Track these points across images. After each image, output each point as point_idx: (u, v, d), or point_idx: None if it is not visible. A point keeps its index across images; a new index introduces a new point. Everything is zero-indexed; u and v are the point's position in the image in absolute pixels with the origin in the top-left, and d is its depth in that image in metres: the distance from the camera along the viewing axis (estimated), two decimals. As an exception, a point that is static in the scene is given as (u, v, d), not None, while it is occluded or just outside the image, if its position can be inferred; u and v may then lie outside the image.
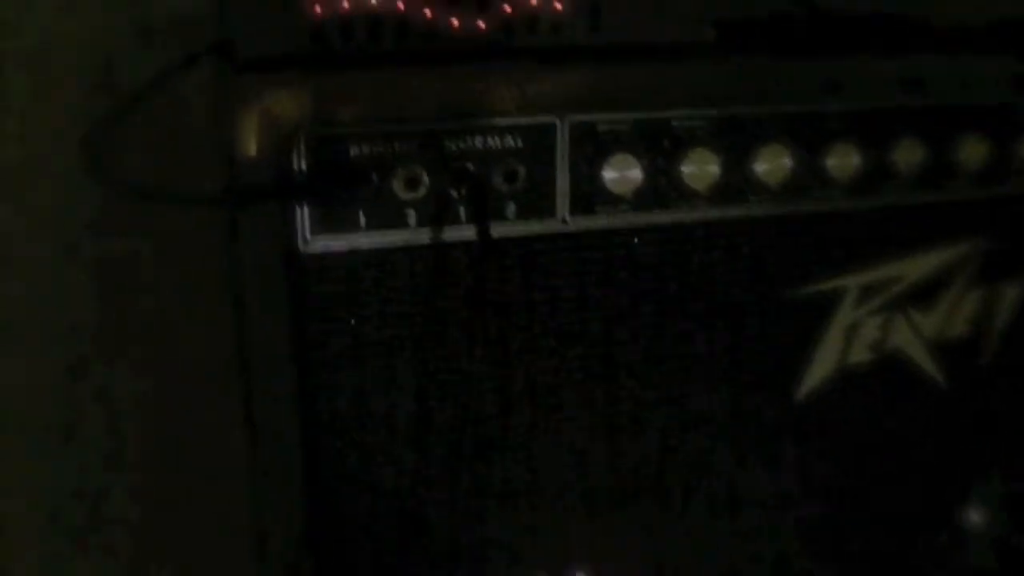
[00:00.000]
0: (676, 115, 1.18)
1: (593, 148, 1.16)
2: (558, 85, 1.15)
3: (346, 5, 1.13)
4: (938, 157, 1.28)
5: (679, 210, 1.21)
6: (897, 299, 1.31)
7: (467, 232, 1.14)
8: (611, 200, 1.18)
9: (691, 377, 1.24)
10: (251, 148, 1.08)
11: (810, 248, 1.26)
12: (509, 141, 1.15)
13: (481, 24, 1.16)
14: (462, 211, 1.14)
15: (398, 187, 1.12)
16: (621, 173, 1.17)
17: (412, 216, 1.13)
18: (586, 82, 1.15)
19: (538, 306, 1.19)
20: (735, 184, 1.21)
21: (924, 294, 1.32)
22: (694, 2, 1.23)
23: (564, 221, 1.18)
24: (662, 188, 1.19)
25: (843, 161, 1.24)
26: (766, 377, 1.27)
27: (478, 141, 1.14)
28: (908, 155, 1.26)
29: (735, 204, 1.22)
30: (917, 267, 1.31)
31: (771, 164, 1.21)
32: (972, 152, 1.28)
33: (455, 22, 1.16)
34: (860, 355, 1.29)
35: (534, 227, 1.17)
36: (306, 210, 1.11)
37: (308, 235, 1.11)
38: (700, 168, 1.19)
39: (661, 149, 1.18)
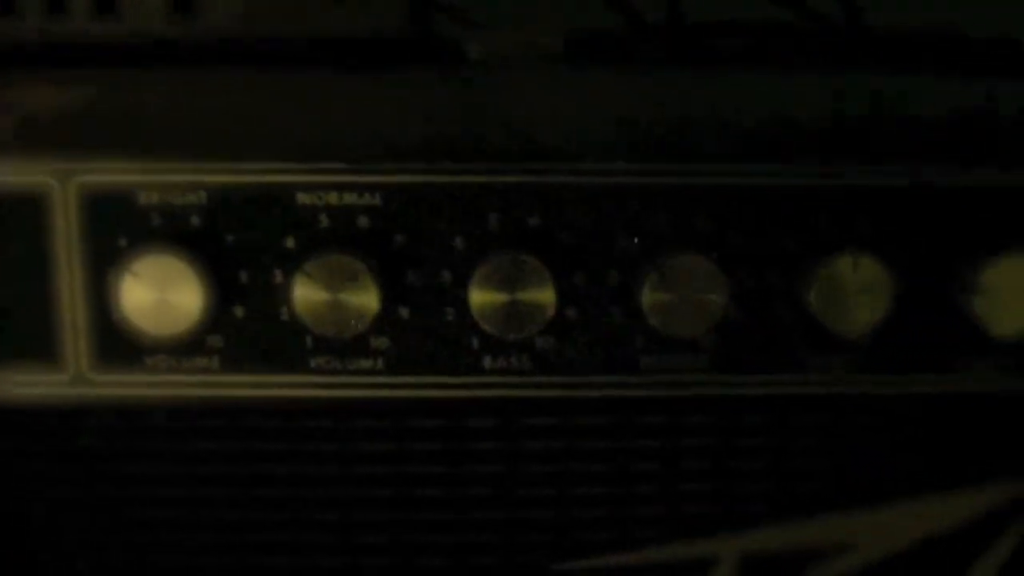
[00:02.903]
0: (350, 180, 0.57)
1: (129, 240, 0.58)
2: (61, 106, 0.57)
3: None
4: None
5: (328, 374, 0.59)
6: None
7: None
8: (167, 347, 0.59)
9: None
10: None
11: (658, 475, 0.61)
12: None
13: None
14: None
15: None
16: (161, 295, 0.57)
17: None
18: (124, 103, 0.57)
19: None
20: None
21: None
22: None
23: (80, 380, 0.59)
24: (273, 328, 0.59)
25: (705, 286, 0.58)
26: None
27: None
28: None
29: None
30: (877, 527, 0.62)
31: (535, 295, 0.58)
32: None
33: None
34: None
35: (19, 387, 0.59)
36: None
37: None
38: (353, 289, 0.57)
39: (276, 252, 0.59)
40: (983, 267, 0.59)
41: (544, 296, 0.57)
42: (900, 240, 0.60)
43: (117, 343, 0.60)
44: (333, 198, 0.58)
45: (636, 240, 0.59)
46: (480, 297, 0.57)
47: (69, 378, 0.60)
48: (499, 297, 0.57)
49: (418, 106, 0.59)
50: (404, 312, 0.59)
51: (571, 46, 0.69)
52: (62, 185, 0.59)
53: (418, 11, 0.62)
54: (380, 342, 0.59)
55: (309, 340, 0.59)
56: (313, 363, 0.60)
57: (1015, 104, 0.61)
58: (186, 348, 0.59)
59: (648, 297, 0.57)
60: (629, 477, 0.62)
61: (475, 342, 0.59)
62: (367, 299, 0.57)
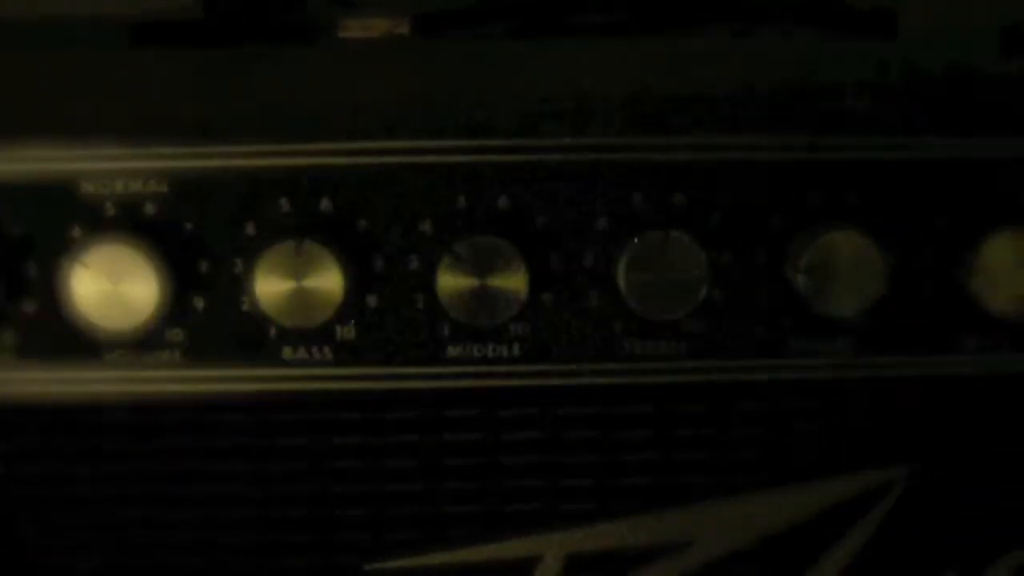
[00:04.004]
0: (135, 167, 0.55)
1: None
2: None
3: None
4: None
5: None
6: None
7: None
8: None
9: None
10: None
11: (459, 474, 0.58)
12: None
13: None
14: None
15: None
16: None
17: None
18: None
19: None
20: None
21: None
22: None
23: None
24: (64, 322, 0.56)
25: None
26: None
27: None
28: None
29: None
30: (716, 523, 0.59)
31: (321, 282, 0.55)
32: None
33: None
34: None
35: None
36: None
37: None
38: (137, 279, 0.55)
39: None
40: (810, 244, 0.55)
41: (331, 283, 0.54)
42: (714, 217, 0.56)
43: None
44: (118, 186, 0.56)
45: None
46: (266, 285, 0.54)
47: None
48: (285, 285, 0.54)
49: (202, 86, 0.56)
50: (199, 302, 0.57)
51: (419, 24, 0.67)
52: None
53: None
54: (175, 334, 0.57)
55: (102, 333, 0.57)
56: (107, 357, 0.57)
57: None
58: None
59: (444, 282, 0.55)
60: (444, 472, 0.59)
61: (272, 332, 0.57)
62: (151, 289, 0.55)
